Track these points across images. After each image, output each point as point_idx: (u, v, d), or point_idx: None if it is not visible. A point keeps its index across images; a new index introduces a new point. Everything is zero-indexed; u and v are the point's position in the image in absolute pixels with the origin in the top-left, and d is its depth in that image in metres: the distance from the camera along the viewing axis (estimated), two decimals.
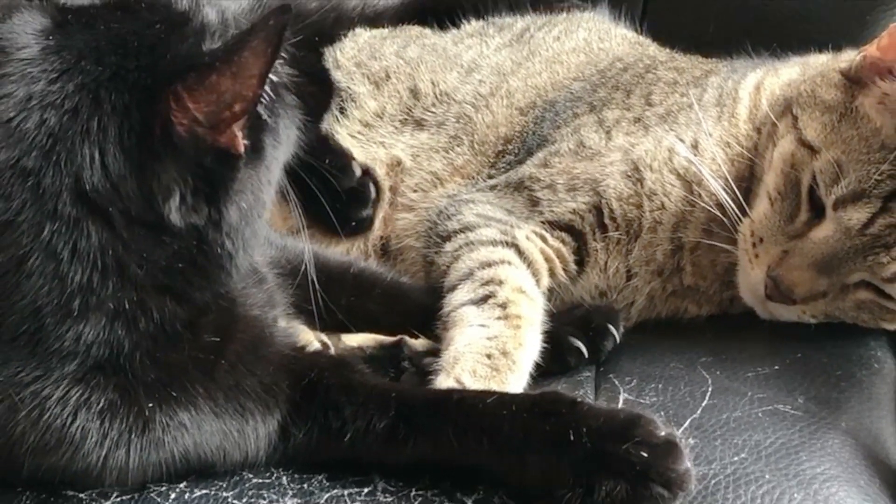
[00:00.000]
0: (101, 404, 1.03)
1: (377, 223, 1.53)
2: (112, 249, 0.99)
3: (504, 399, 1.12)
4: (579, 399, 1.10)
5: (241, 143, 1.00)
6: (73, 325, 1.00)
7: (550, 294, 1.38)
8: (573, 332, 1.34)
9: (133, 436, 1.05)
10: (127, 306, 1.01)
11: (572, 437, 1.04)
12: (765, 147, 1.38)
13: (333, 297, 1.28)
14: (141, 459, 1.07)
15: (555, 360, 1.31)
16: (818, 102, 1.34)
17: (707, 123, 1.40)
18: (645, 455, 1.02)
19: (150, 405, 1.05)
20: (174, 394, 1.06)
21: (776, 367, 1.26)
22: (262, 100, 1.02)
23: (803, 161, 1.31)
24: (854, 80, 1.33)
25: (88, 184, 0.97)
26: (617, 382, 1.27)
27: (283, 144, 1.11)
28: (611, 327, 1.33)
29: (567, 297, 1.41)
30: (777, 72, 1.47)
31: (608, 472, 1.03)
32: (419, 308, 1.37)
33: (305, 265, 1.26)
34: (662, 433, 1.04)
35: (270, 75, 1.00)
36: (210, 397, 1.09)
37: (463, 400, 1.12)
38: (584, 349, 1.32)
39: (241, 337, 1.13)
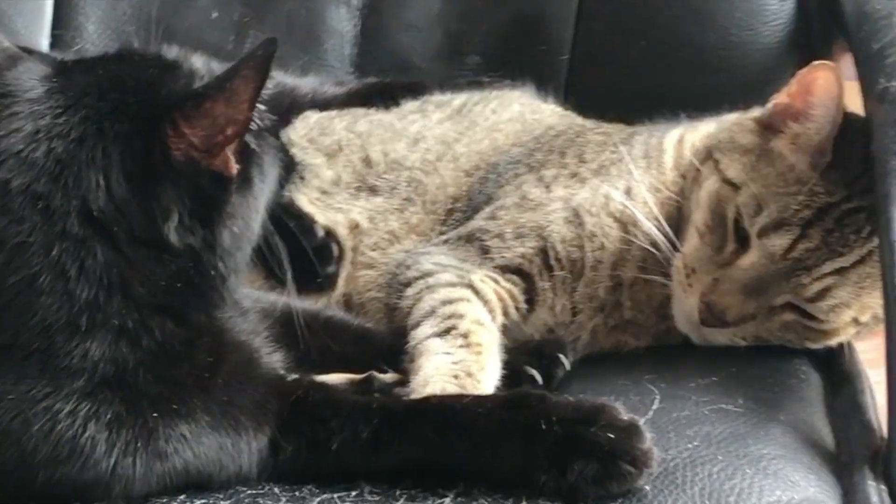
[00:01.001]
0: (108, 416, 1.07)
1: (340, 281, 1.58)
2: (117, 267, 1.05)
3: (478, 399, 1.19)
4: (546, 394, 1.16)
5: (234, 166, 1.08)
6: (80, 341, 1.05)
7: (504, 331, 1.44)
8: (528, 361, 1.39)
9: (139, 445, 1.09)
10: (130, 325, 1.07)
11: (544, 426, 1.10)
12: (690, 190, 1.47)
13: (305, 342, 1.33)
14: (146, 469, 1.11)
15: (512, 387, 1.36)
16: (737, 146, 1.44)
17: (637, 173, 1.50)
18: (611, 436, 1.08)
19: (154, 416, 1.09)
20: (175, 407, 1.11)
21: (714, 378, 1.33)
22: (250, 128, 1.09)
23: (727, 197, 1.40)
24: (767, 126, 1.44)
25: (94, 206, 1.04)
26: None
27: (269, 179, 1.18)
28: (561, 357, 1.40)
29: (518, 334, 1.47)
30: (696, 127, 1.58)
31: (579, 454, 1.09)
32: (386, 348, 1.41)
33: (289, 311, 1.34)
34: (625, 417, 1.11)
35: (255, 115, 1.08)
36: (207, 411, 1.14)
37: (441, 403, 1.19)
38: (538, 377, 1.37)
39: (233, 359, 1.18)
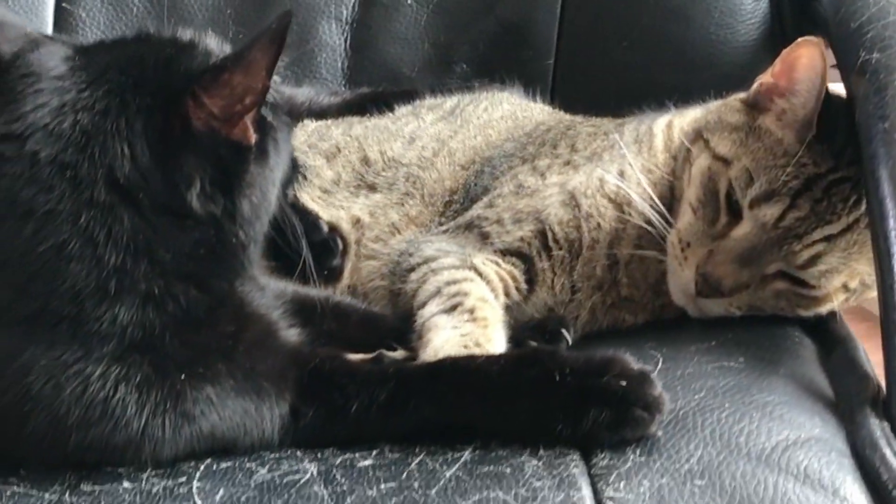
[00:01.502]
0: (138, 378, 1.10)
1: (345, 273, 1.61)
2: (142, 234, 1.07)
3: (491, 358, 1.22)
4: (556, 349, 1.20)
5: (252, 136, 1.11)
6: (109, 307, 1.07)
7: (506, 311, 1.46)
8: (531, 336, 1.42)
9: (168, 406, 1.11)
10: (156, 290, 1.09)
11: (557, 378, 1.13)
12: (682, 170, 1.50)
13: (315, 325, 1.34)
14: (175, 430, 1.12)
15: None
16: (725, 125, 1.48)
17: (629, 156, 1.54)
18: (624, 384, 1.12)
19: (182, 379, 1.11)
20: (201, 370, 1.13)
21: (713, 343, 1.35)
22: (267, 99, 1.12)
23: (719, 172, 1.43)
24: (753, 105, 1.47)
25: (120, 174, 1.06)
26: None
27: (283, 153, 1.21)
28: (563, 331, 1.42)
29: (520, 314, 1.48)
30: (683, 113, 1.61)
31: (593, 403, 1.12)
32: (393, 329, 1.43)
33: (298, 296, 1.36)
34: (636, 366, 1.14)
35: (271, 85, 1.10)
36: (231, 376, 1.16)
37: (455, 363, 1.22)
38: None
39: (253, 328, 1.20)
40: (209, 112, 1.08)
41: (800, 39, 1.38)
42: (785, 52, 1.42)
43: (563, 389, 1.14)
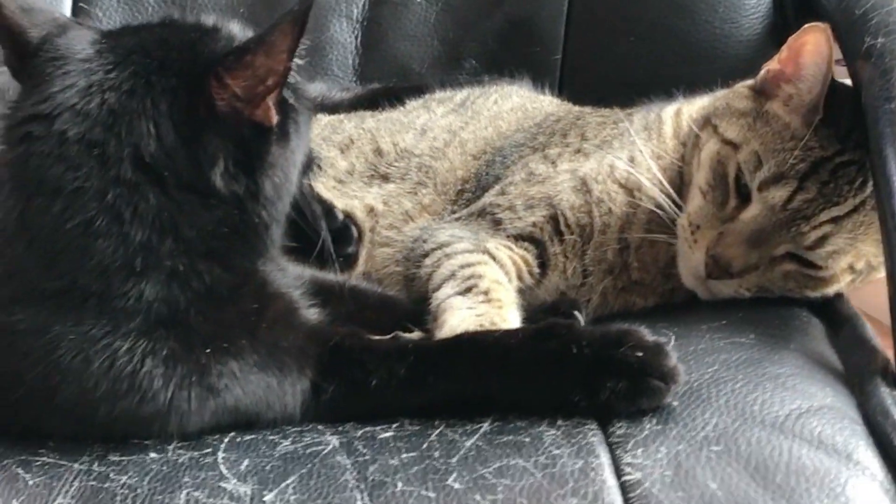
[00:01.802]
0: (164, 352, 1.11)
1: (360, 260, 1.62)
2: (167, 211, 1.08)
3: (508, 332, 1.23)
4: (573, 323, 1.21)
5: (274, 117, 1.12)
6: (135, 283, 1.09)
7: (519, 295, 1.47)
8: (545, 318, 1.40)
9: (193, 379, 1.12)
10: (181, 268, 1.10)
11: (574, 350, 1.14)
12: (691, 155, 1.51)
13: (333, 307, 1.34)
14: (200, 403, 1.14)
15: None
16: (733, 111, 1.49)
17: (639, 143, 1.55)
18: (640, 355, 1.12)
19: (207, 353, 1.13)
20: (225, 345, 1.14)
21: (723, 322, 1.36)
22: (289, 80, 1.13)
23: (728, 156, 1.45)
24: (761, 91, 1.49)
25: (146, 152, 1.07)
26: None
27: (304, 135, 1.22)
28: (576, 313, 1.42)
29: (532, 299, 1.49)
30: (691, 101, 1.63)
31: (610, 374, 1.13)
32: (409, 312, 1.44)
33: (315, 280, 1.37)
34: (651, 339, 1.15)
35: (293, 67, 1.12)
36: (254, 351, 1.17)
37: (473, 337, 1.23)
38: None
39: (275, 306, 1.21)
40: (232, 93, 1.09)
41: (806, 26, 1.40)
42: (791, 38, 1.43)
43: (580, 361, 1.14)
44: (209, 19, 1.20)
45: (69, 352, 1.10)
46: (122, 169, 1.08)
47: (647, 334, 1.15)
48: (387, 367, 1.21)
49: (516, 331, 1.24)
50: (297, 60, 1.13)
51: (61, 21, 1.19)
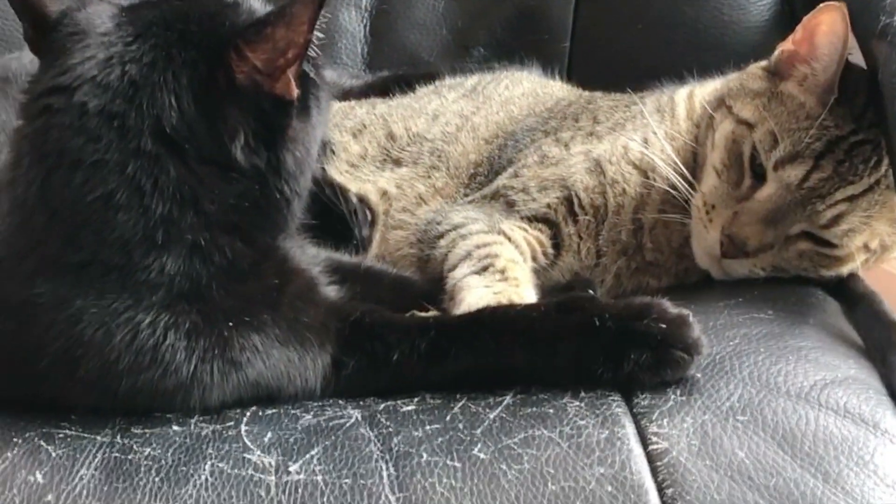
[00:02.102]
0: (186, 326, 1.09)
1: (374, 243, 1.60)
2: (188, 184, 1.06)
3: (530, 306, 1.23)
4: (595, 296, 1.20)
5: (294, 90, 1.09)
6: (157, 256, 1.07)
7: (533, 275, 1.45)
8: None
9: (216, 353, 1.11)
10: (202, 242, 1.08)
11: (598, 323, 1.12)
12: (705, 136, 1.50)
13: (349, 287, 1.33)
14: (222, 376, 1.12)
15: None
16: (748, 91, 1.48)
17: (653, 125, 1.54)
18: (663, 327, 1.11)
19: (229, 326, 1.11)
20: (247, 319, 1.12)
21: (740, 299, 1.34)
22: (310, 53, 1.11)
23: (743, 135, 1.43)
24: (775, 72, 1.48)
25: (167, 124, 1.05)
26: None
27: (324, 110, 1.20)
28: (591, 291, 1.40)
29: (546, 279, 1.48)
30: (703, 84, 1.62)
31: (633, 346, 1.11)
32: (424, 292, 1.42)
33: (331, 261, 1.36)
34: (674, 310, 1.13)
35: (313, 39, 1.10)
36: (276, 326, 1.15)
37: (495, 311, 1.21)
38: None
39: (296, 281, 1.20)
40: (252, 65, 1.07)
41: (821, 5, 1.38)
42: (806, 18, 1.42)
43: (603, 333, 1.13)
44: None
45: (91, 325, 1.08)
46: (143, 141, 1.06)
47: (670, 306, 1.13)
48: (408, 341, 1.19)
49: (538, 304, 1.23)
50: (317, 33, 1.11)
51: None
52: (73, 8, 1.14)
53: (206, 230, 1.09)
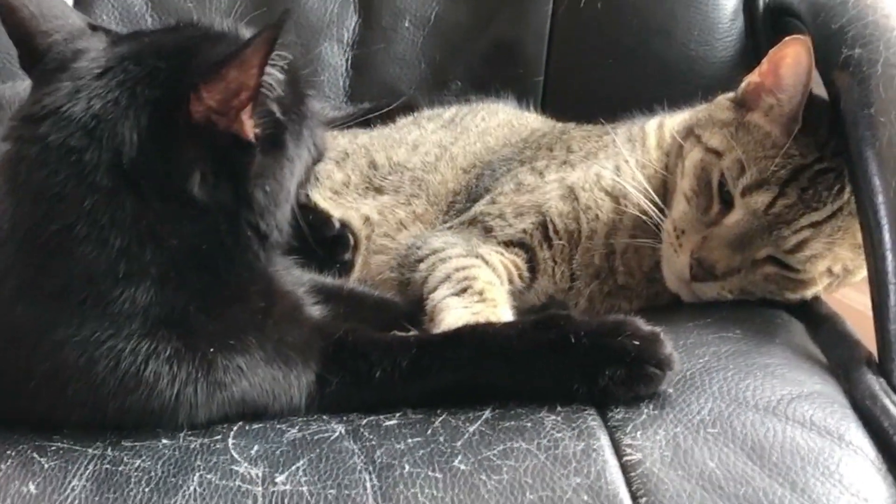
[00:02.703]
0: (168, 352, 1.09)
1: (356, 267, 1.61)
2: (146, 219, 1.06)
3: (509, 323, 1.24)
4: (571, 314, 1.20)
5: (250, 131, 1.07)
6: (125, 288, 1.06)
7: (510, 298, 1.46)
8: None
9: (199, 375, 1.11)
10: (171, 274, 1.08)
11: (573, 339, 1.13)
12: (675, 165, 1.52)
13: (332, 308, 1.33)
14: (207, 397, 1.12)
15: None
16: (716, 122, 1.49)
17: (624, 153, 1.56)
18: (637, 343, 1.12)
19: (212, 350, 1.11)
20: (231, 342, 1.13)
21: (709, 320, 1.36)
22: (267, 94, 1.11)
23: (711, 163, 1.45)
24: (741, 103, 1.50)
25: (125, 160, 1.05)
26: None
27: (305, 142, 1.20)
28: None
29: (521, 302, 1.49)
30: (672, 115, 1.64)
31: (608, 362, 1.12)
32: (405, 313, 1.42)
33: (314, 283, 1.36)
34: (647, 328, 1.15)
35: (266, 81, 1.09)
36: (261, 347, 1.15)
37: (475, 329, 1.22)
38: None
39: (282, 303, 1.20)
40: (207, 106, 1.06)
41: (786, 39, 1.40)
42: (772, 51, 1.44)
43: (579, 350, 1.13)
44: (223, 24, 1.18)
45: (74, 352, 1.07)
46: (99, 176, 1.05)
47: (643, 324, 1.15)
48: (390, 359, 1.19)
49: (515, 322, 1.25)
50: (277, 75, 1.11)
51: (76, 27, 1.17)
52: (62, 39, 1.15)
53: (173, 264, 1.08)
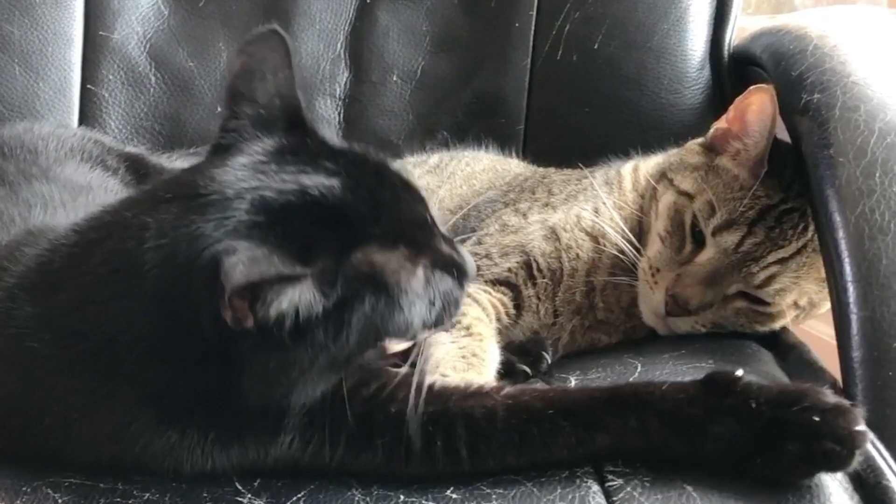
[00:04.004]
0: None
1: None
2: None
3: (676, 384, 1.05)
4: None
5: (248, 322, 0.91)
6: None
7: (497, 334, 1.46)
8: (518, 359, 1.41)
9: None
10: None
11: (754, 406, 0.99)
12: (649, 206, 1.53)
13: None
14: None
15: (506, 375, 1.38)
16: (687, 166, 1.51)
17: (602, 196, 1.57)
18: (817, 419, 0.97)
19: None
20: None
21: (683, 351, 1.36)
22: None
23: (684, 205, 1.46)
24: (710, 148, 1.51)
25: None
26: (565, 376, 1.35)
27: (356, 332, 0.99)
28: (543, 353, 1.43)
29: (507, 338, 1.49)
30: (646, 159, 1.65)
31: (789, 436, 0.98)
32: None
33: None
34: (832, 399, 0.99)
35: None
36: None
37: (635, 389, 1.06)
38: (528, 370, 1.40)
39: None
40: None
41: (751, 88, 1.42)
42: (738, 99, 1.45)
43: (759, 420, 1.01)
44: None
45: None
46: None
47: (828, 394, 1.00)
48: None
49: (686, 383, 1.07)
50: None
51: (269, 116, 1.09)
52: (250, 124, 1.06)
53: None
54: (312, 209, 0.95)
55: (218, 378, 0.97)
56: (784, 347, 1.43)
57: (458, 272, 1.05)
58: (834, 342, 1.21)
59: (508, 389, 1.10)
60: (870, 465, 1.07)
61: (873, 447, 1.08)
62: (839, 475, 1.05)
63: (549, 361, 1.43)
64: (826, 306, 1.39)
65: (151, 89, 1.96)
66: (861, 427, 0.97)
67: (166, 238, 0.96)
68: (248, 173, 0.99)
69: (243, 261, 0.86)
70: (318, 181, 0.97)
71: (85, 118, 1.92)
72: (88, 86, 1.94)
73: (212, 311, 0.90)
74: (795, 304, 1.45)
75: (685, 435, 1.01)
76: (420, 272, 1.01)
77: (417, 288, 1.01)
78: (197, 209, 0.96)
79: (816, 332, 1.71)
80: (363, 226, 0.95)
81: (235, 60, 1.07)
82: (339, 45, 2.02)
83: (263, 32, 1.07)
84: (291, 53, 1.08)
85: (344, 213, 0.96)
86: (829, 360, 1.29)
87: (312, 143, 1.05)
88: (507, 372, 1.38)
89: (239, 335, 0.91)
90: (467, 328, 1.38)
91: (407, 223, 1.00)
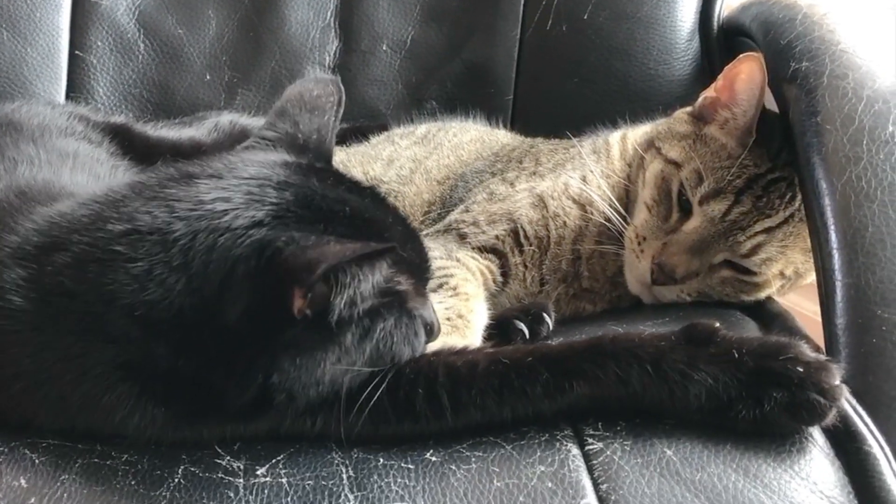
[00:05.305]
0: None
1: None
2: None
3: (656, 333, 1.06)
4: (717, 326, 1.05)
5: (299, 308, 0.95)
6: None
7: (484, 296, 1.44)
8: (517, 316, 1.38)
9: None
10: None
11: (736, 356, 1.01)
12: (636, 175, 1.51)
13: None
14: None
15: (502, 338, 1.36)
16: (675, 134, 1.50)
17: (590, 164, 1.55)
18: (800, 369, 0.99)
19: None
20: None
21: (666, 319, 1.35)
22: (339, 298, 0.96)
23: (671, 174, 1.45)
24: (699, 117, 1.50)
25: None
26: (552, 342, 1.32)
27: (369, 346, 1.03)
28: (545, 315, 1.39)
29: (494, 306, 1.47)
30: (635, 128, 1.64)
31: (772, 385, 1.00)
32: None
33: None
34: (812, 354, 1.02)
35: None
36: None
37: (615, 337, 1.06)
38: (525, 330, 1.36)
39: None
40: None
41: (741, 56, 1.41)
42: (727, 68, 1.44)
43: (741, 368, 1.01)
44: None
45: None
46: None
47: (808, 349, 1.02)
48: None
49: (666, 333, 1.07)
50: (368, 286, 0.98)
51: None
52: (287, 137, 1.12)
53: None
54: (352, 217, 1.00)
55: (220, 360, 0.97)
56: (768, 315, 1.42)
57: (428, 329, 1.10)
58: (817, 318, 1.20)
59: (491, 347, 1.11)
60: (852, 431, 1.06)
61: (855, 413, 1.07)
62: (821, 441, 1.04)
63: (551, 325, 1.39)
64: (811, 277, 1.37)
65: (140, 56, 1.94)
66: (839, 382, 0.99)
67: (201, 213, 0.97)
68: (288, 171, 1.04)
69: (316, 247, 0.91)
70: (353, 197, 1.03)
71: (73, 85, 1.90)
72: (77, 52, 1.92)
73: (253, 296, 0.93)
74: (781, 274, 1.43)
75: (667, 382, 1.01)
76: (428, 303, 1.08)
77: (427, 318, 1.08)
78: (238, 190, 0.99)
79: (800, 308, 1.70)
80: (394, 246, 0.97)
81: (294, 88, 1.18)
82: (329, 14, 2.00)
83: (327, 78, 1.18)
84: (342, 105, 1.17)
85: (379, 230, 1.02)
86: (813, 336, 1.27)
87: (337, 175, 1.10)
88: (503, 331, 1.37)
89: (285, 322, 0.94)
90: (454, 288, 1.37)
91: (422, 259, 1.09)
